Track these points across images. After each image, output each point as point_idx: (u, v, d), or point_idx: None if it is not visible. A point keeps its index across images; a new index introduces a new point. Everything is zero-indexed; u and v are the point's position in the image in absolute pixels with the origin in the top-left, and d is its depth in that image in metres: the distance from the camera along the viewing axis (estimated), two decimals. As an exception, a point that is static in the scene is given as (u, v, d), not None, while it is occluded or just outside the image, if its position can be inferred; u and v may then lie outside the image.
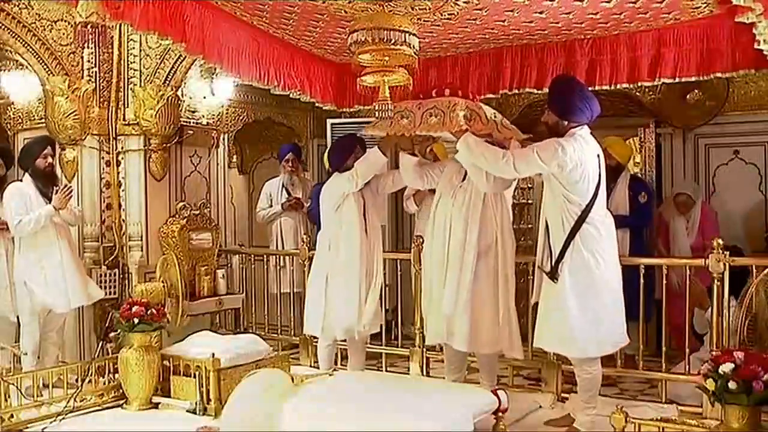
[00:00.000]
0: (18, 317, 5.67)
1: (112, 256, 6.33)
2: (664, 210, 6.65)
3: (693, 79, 5.16)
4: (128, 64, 6.28)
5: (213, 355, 5.13)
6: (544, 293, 4.46)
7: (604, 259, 4.32)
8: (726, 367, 3.17)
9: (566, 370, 5.30)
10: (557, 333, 4.36)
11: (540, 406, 5.14)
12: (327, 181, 5.61)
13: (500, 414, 4.19)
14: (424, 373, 5.66)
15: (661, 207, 6.78)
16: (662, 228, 6.58)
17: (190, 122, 6.61)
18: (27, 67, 6.02)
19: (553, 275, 4.30)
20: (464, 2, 4.55)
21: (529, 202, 8.20)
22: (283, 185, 7.47)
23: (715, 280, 4.66)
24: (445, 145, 7.44)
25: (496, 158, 4.38)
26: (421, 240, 5.53)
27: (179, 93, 6.33)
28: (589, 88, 5.43)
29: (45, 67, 5.91)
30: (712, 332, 4.73)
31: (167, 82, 6.17)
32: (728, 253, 4.65)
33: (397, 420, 3.69)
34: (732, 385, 3.11)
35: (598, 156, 4.43)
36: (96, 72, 6.22)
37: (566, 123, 4.39)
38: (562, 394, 5.28)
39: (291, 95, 5.70)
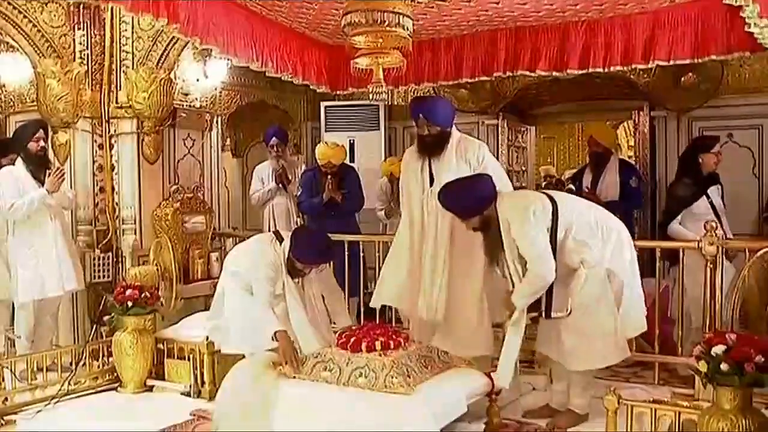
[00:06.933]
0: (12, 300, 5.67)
1: (106, 240, 6.31)
2: None
3: (687, 62, 5.16)
4: (120, 47, 6.22)
5: (207, 338, 5.13)
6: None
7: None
8: (718, 349, 3.18)
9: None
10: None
11: (533, 388, 5.16)
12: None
13: (494, 396, 4.23)
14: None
15: None
16: None
17: (183, 105, 6.57)
18: (18, 49, 5.97)
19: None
20: (459, -17, 4.54)
21: (524, 185, 8.22)
22: (273, 170, 7.42)
23: (708, 263, 4.68)
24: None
25: (536, 284, 4.14)
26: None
27: (172, 75, 6.28)
28: (583, 71, 5.47)
29: (36, 49, 5.85)
30: (704, 315, 4.77)
31: (160, 64, 6.13)
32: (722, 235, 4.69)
33: (389, 401, 3.71)
34: (724, 366, 3.13)
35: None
36: (88, 54, 6.17)
37: (491, 206, 4.24)
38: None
39: (284, 78, 5.67)
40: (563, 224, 4.20)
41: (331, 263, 5.55)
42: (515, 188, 7.94)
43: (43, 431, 4.57)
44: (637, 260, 4.45)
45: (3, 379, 4.82)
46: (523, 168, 8.23)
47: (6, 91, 6.57)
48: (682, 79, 6.79)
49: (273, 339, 4.35)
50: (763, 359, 3.10)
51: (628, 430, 3.67)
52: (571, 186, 6.93)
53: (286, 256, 4.74)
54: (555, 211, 4.21)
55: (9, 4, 5.62)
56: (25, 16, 5.72)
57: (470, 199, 4.27)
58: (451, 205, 4.35)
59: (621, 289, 4.30)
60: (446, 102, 5.30)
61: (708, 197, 5.62)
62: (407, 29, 4.24)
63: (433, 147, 4.80)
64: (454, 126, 4.89)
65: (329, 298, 5.03)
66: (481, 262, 4.61)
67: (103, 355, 5.46)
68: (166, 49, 6.07)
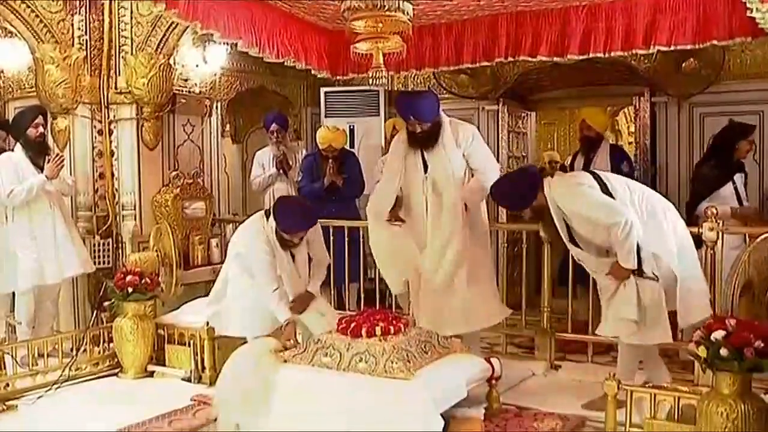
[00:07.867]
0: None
1: (106, 226, 6.30)
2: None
3: (689, 47, 5.13)
4: (119, 32, 6.20)
5: (207, 323, 5.14)
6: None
7: None
8: (718, 334, 3.19)
9: (559, 338, 5.37)
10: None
11: (533, 374, 5.18)
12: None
13: (494, 381, 4.24)
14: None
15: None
16: None
17: (182, 91, 6.55)
18: (16, 35, 5.94)
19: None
20: (459, -33, 4.51)
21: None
22: (273, 156, 7.41)
23: (708, 249, 4.68)
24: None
25: (625, 230, 4.10)
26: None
27: (171, 61, 6.25)
28: (584, 56, 5.45)
29: (35, 34, 5.82)
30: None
31: (159, 49, 6.10)
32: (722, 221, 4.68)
33: (389, 386, 3.72)
34: (723, 352, 3.14)
35: None
36: (87, 40, 6.14)
37: (537, 196, 4.33)
38: (555, 362, 5.33)
39: (285, 63, 5.65)
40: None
41: (332, 249, 5.60)
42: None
43: (44, 417, 4.57)
44: (690, 243, 4.39)
45: (4, 365, 4.83)
46: (524, 153, 8.20)
47: (4, 77, 6.54)
48: (683, 64, 6.76)
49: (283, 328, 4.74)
50: (762, 345, 3.10)
51: (628, 414, 3.69)
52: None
53: (274, 229, 4.89)
54: (602, 184, 4.28)
55: (7, -11, 5.60)
56: (23, 2, 5.68)
57: (516, 195, 4.49)
58: (502, 202, 4.94)
59: (670, 272, 4.22)
60: (429, 94, 5.32)
61: (734, 183, 5.67)
62: (407, 14, 4.23)
63: (426, 141, 4.92)
64: (442, 113, 4.98)
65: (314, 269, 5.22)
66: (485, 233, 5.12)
67: (104, 341, 5.47)
68: (165, 34, 6.04)
